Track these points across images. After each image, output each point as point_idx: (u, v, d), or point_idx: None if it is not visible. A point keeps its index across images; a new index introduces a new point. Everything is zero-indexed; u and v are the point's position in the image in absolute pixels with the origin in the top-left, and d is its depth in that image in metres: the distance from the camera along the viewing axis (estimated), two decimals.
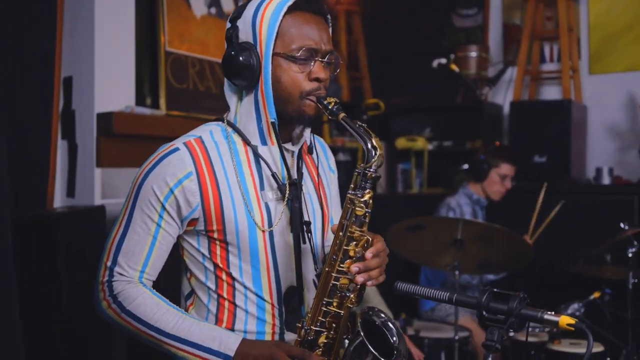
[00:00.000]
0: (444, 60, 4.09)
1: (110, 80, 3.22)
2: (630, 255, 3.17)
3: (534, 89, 4.68)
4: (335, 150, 4.84)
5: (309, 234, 1.69)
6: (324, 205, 1.80)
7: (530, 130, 4.28)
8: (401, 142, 4.87)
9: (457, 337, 3.04)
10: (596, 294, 3.21)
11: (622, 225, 3.26)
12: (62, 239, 2.55)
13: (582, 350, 2.88)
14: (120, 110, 3.19)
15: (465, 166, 4.07)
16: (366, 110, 3.83)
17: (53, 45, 3.12)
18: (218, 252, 1.64)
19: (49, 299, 2.45)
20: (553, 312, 1.25)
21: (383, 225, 3.43)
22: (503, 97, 4.71)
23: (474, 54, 4.68)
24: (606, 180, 4.13)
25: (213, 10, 3.81)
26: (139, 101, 3.44)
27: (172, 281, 1.80)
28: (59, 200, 3.20)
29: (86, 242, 2.68)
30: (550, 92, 4.70)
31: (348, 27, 5.20)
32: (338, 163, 4.70)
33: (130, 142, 3.22)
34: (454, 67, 3.97)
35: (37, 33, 3.05)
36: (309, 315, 1.59)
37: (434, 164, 4.85)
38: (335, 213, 1.86)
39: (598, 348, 2.93)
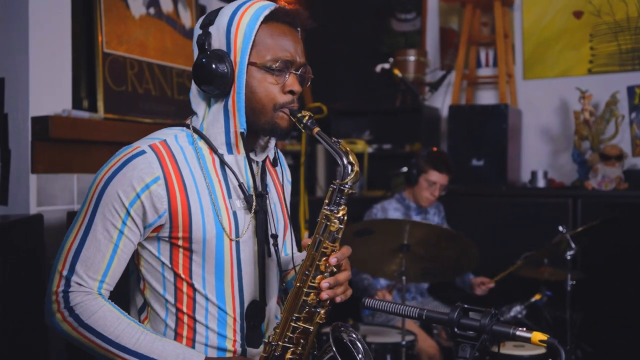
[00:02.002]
0: (387, 65, 4.11)
1: (45, 82, 3.08)
2: (568, 257, 3.27)
3: (471, 93, 4.77)
4: None
5: (275, 247, 1.66)
6: (285, 215, 1.78)
7: (468, 134, 4.36)
8: (341, 145, 4.85)
9: (404, 342, 3.05)
10: (537, 296, 3.29)
11: (560, 228, 3.35)
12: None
13: (526, 352, 2.93)
14: (56, 114, 3.06)
15: (404, 169, 4.10)
16: None
17: None
18: (181, 261, 1.59)
19: None
20: (524, 329, 1.26)
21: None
22: (441, 100, 4.78)
23: (412, 58, 4.73)
24: (541, 183, 4.24)
25: (152, 10, 3.71)
26: (76, 104, 3.31)
27: (122, 291, 1.72)
28: None
29: (23, 254, 2.56)
30: (486, 97, 4.80)
31: None
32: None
33: (67, 147, 3.10)
34: (397, 71, 4.00)
35: None
36: (277, 330, 1.56)
37: (373, 167, 4.88)
38: (289, 222, 1.84)
39: (539, 350, 3.00)
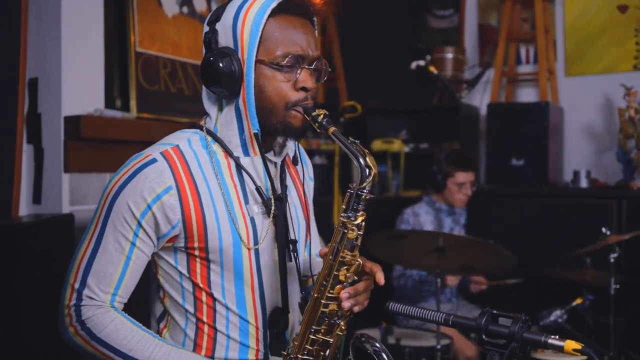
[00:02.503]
0: (422, 62, 4.02)
1: (78, 82, 3.08)
2: (612, 260, 3.14)
3: (511, 91, 4.64)
4: (311, 153, 4.75)
5: (295, 253, 1.59)
6: (307, 217, 1.71)
7: (508, 133, 4.24)
8: (377, 145, 4.80)
9: (439, 346, 2.97)
10: (578, 300, 3.17)
11: (603, 229, 3.22)
12: (25, 251, 2.41)
13: (566, 359, 2.82)
14: (89, 114, 3.06)
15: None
16: (343, 113, 3.75)
17: (17, 45, 2.97)
18: (198, 270, 1.52)
19: (7, 318, 2.31)
20: (557, 337, 1.18)
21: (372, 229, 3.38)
22: (480, 98, 4.67)
23: (450, 55, 4.62)
24: (584, 183, 4.10)
25: (185, 9, 3.70)
26: (109, 104, 3.31)
27: (141, 299, 1.68)
28: (24, 207, 3.05)
29: (53, 254, 2.55)
30: (527, 94, 4.67)
31: (322, 27, 5.10)
32: (314, 167, 4.63)
33: (99, 146, 3.10)
34: (432, 69, 3.90)
35: (0, 32, 2.91)
36: (296, 342, 1.49)
37: (410, 167, 4.79)
38: (312, 222, 1.77)
39: (580, 356, 2.87)
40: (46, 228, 2.69)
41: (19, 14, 2.96)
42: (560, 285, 3.48)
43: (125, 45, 3.38)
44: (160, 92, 3.49)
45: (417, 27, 5.05)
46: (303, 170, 1.75)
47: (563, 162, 4.47)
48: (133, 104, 3.34)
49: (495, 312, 1.24)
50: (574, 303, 3.17)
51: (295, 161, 1.70)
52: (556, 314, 3.12)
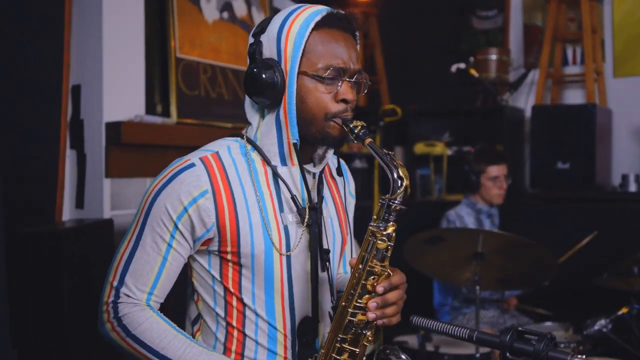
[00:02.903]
0: (462, 65, 3.97)
1: (119, 88, 3.14)
2: None
3: (557, 93, 4.54)
4: (351, 157, 4.74)
5: (328, 262, 1.59)
6: (344, 230, 1.71)
7: (553, 136, 4.15)
8: (419, 148, 4.76)
9: (478, 355, 2.92)
10: (624, 310, 3.07)
11: None
12: (66, 256, 2.46)
13: None
14: (129, 120, 3.10)
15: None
16: (383, 117, 3.72)
17: (61, 52, 3.05)
18: (230, 275, 1.55)
19: (49, 321, 2.36)
20: (583, 356, 1.14)
21: (400, 233, 3.34)
22: (524, 100, 4.58)
23: (494, 56, 4.55)
24: (633, 187, 3.99)
25: (225, 14, 3.73)
26: (150, 109, 3.35)
27: (178, 302, 1.71)
28: (67, 211, 3.12)
29: (93, 259, 2.60)
30: (574, 96, 4.56)
31: (364, 30, 5.08)
32: (354, 170, 4.61)
33: (140, 151, 3.14)
34: (473, 71, 3.84)
35: (44, 41, 2.98)
36: (322, 351, 1.49)
37: (453, 170, 4.73)
38: (349, 238, 1.77)
39: None
40: (87, 233, 2.74)
41: (62, 23, 3.03)
42: (605, 294, 3.38)
43: (165, 51, 3.42)
44: (201, 97, 3.52)
45: (460, 28, 4.99)
46: (345, 185, 1.76)
47: (611, 166, 4.35)
48: (173, 109, 3.38)
49: (520, 329, 1.20)
50: (620, 312, 3.08)
51: (338, 172, 1.72)
52: (601, 323, 3.03)
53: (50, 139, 3.04)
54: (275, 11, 4.16)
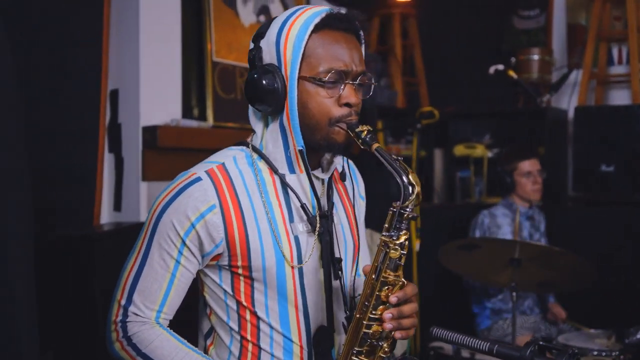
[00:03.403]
0: (501, 67, 3.89)
1: (156, 93, 3.18)
2: None
3: (601, 93, 4.42)
4: None
5: (340, 271, 1.56)
6: (355, 236, 1.67)
7: (597, 138, 4.04)
8: (459, 150, 4.69)
9: None
10: None
11: None
12: (102, 260, 2.49)
13: None
14: (165, 124, 3.14)
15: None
16: (420, 119, 3.67)
17: (99, 58, 3.11)
18: (242, 288, 1.52)
19: (84, 325, 2.40)
20: None
21: (440, 236, 3.31)
22: (567, 101, 4.47)
23: (536, 57, 4.45)
24: None
25: (262, 18, 3.74)
26: (187, 113, 3.39)
27: (190, 316, 1.69)
28: (105, 214, 3.18)
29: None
30: (619, 97, 4.43)
31: (404, 30, 5.03)
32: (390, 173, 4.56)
33: (176, 155, 3.18)
34: (511, 73, 3.77)
35: (83, 46, 3.04)
36: None
37: (494, 172, 4.64)
38: (361, 242, 1.74)
39: None
40: (123, 236, 2.77)
41: (100, 29, 3.09)
42: None
43: (202, 55, 3.45)
44: (237, 101, 3.54)
45: (501, 28, 4.90)
46: (353, 188, 1.72)
47: None
48: (210, 112, 3.41)
49: (542, 343, 1.17)
50: None
51: (343, 177, 1.67)
52: None
53: (89, 143, 3.10)
54: None
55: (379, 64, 4.72)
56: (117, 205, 3.18)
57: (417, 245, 3.63)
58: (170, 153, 3.16)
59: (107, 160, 3.18)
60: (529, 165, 3.54)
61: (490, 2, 4.96)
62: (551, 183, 4.27)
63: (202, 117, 3.44)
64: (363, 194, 1.79)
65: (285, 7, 3.87)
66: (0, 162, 1.45)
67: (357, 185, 1.76)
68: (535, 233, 3.65)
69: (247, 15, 3.66)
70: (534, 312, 3.60)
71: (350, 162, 1.74)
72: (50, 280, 2.38)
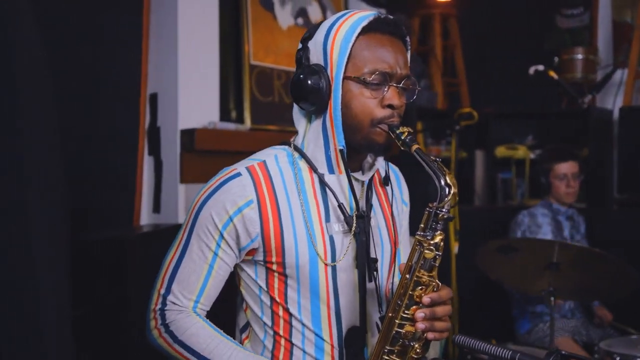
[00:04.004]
0: (541, 67, 3.83)
1: (194, 96, 3.22)
2: None
3: None
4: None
5: (375, 272, 1.57)
6: (393, 239, 1.68)
7: None
8: (501, 151, 4.63)
9: None
10: None
11: None
12: (139, 261, 2.54)
13: None
14: (203, 127, 3.18)
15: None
16: (459, 120, 3.64)
17: (139, 62, 3.17)
18: (276, 285, 1.56)
19: (119, 324, 2.45)
20: None
21: (480, 239, 3.26)
22: (612, 101, 4.37)
23: (580, 56, 4.36)
24: None
25: (300, 20, 3.75)
26: (225, 115, 3.43)
27: (229, 311, 1.73)
28: (145, 216, 3.23)
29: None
30: None
31: (444, 31, 4.99)
32: (428, 175, 4.52)
33: (213, 157, 3.21)
34: (552, 73, 3.70)
35: (123, 51, 3.10)
36: None
37: (536, 173, 4.57)
38: (404, 248, 1.74)
39: None
40: (161, 238, 2.81)
41: (140, 34, 3.16)
42: None
43: (240, 58, 3.48)
44: (274, 104, 3.56)
45: (544, 28, 4.81)
46: (393, 192, 1.72)
47: None
48: (247, 115, 3.44)
49: (564, 352, 1.15)
50: None
51: (385, 182, 1.69)
52: None
53: (129, 146, 3.16)
54: None
55: (419, 64, 4.69)
56: (157, 207, 3.24)
57: (455, 247, 3.59)
58: (208, 155, 3.20)
59: (147, 163, 3.24)
60: (564, 167, 3.49)
61: (533, 1, 4.88)
62: (596, 185, 4.19)
63: (240, 119, 3.48)
64: (407, 200, 1.80)
65: (323, 10, 3.88)
66: (36, 165, 1.49)
67: (400, 192, 1.77)
68: (576, 234, 3.59)
69: (285, 18, 3.68)
70: (575, 315, 3.54)
71: (395, 168, 1.77)
72: (90, 282, 2.44)
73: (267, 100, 3.53)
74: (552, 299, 2.83)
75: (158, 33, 3.20)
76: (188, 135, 3.12)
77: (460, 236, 3.59)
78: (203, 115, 3.26)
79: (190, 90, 3.21)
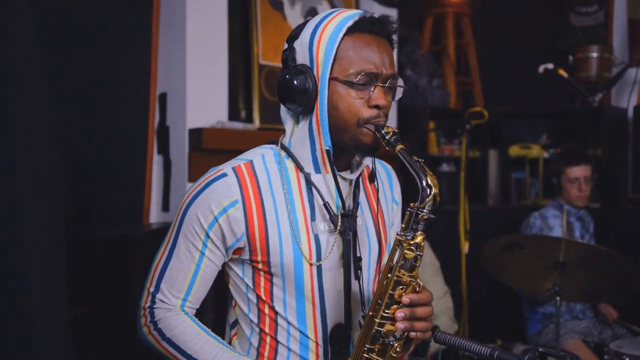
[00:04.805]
0: (550, 65, 3.79)
1: (203, 96, 3.25)
2: None
3: None
4: (441, 160, 4.66)
5: (360, 271, 1.58)
6: (381, 238, 1.68)
7: None
8: (514, 150, 4.61)
9: None
10: None
11: None
12: (146, 258, 2.57)
13: None
14: (210, 126, 3.21)
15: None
16: (469, 119, 3.62)
17: (148, 62, 3.20)
18: (262, 283, 1.57)
19: (127, 322, 2.48)
20: None
21: (493, 238, 3.26)
22: (627, 100, 4.32)
23: (594, 54, 4.32)
24: None
25: None
26: (234, 115, 3.45)
27: (221, 308, 1.75)
28: (154, 214, 3.27)
29: None
30: None
31: (457, 30, 4.97)
32: (442, 174, 4.50)
33: (221, 156, 3.21)
34: (561, 72, 3.67)
35: (133, 52, 3.14)
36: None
37: (549, 174, 4.54)
38: (388, 245, 1.74)
39: None
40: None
41: (149, 35, 3.19)
42: None
43: (249, 58, 3.50)
44: None
45: (558, 26, 4.78)
46: (383, 191, 1.72)
47: None
48: (256, 115, 3.46)
49: (541, 349, 1.15)
50: None
51: (372, 178, 1.69)
52: None
53: (139, 145, 3.20)
54: None
55: (432, 64, 4.69)
56: (165, 206, 3.27)
57: (466, 247, 3.59)
58: (216, 154, 3.21)
59: (156, 162, 3.27)
60: (576, 171, 3.44)
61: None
62: (610, 184, 4.15)
63: (249, 119, 3.50)
64: (398, 198, 1.79)
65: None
66: (31, 165, 1.52)
67: (390, 189, 1.76)
68: (585, 234, 3.56)
69: (295, 18, 3.69)
70: (586, 316, 3.51)
71: (388, 165, 1.76)
72: (100, 279, 2.48)
73: (276, 99, 3.54)
74: (558, 298, 2.81)
75: (167, 33, 3.24)
76: (196, 135, 3.14)
77: (473, 236, 3.58)
78: (212, 114, 3.28)
79: (199, 89, 3.23)
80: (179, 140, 3.22)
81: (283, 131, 1.67)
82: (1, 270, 1.36)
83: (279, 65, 3.49)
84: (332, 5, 3.90)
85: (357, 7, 4.08)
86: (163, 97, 3.27)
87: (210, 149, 3.15)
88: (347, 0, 3.98)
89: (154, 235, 2.85)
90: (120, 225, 3.09)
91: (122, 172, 3.13)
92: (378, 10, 4.23)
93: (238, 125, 3.33)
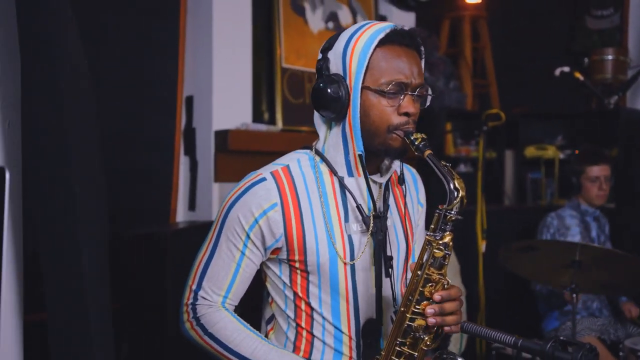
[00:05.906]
0: (567, 68, 3.86)
1: (228, 98, 3.35)
2: None
3: None
4: (458, 161, 4.74)
5: (391, 269, 1.67)
6: (409, 238, 1.77)
7: None
8: (530, 151, 4.67)
9: None
10: None
11: None
12: (174, 256, 2.67)
13: None
14: (236, 128, 3.31)
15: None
16: (486, 121, 3.70)
17: (176, 66, 3.31)
18: (299, 281, 1.66)
19: (157, 316, 2.58)
20: None
21: (509, 238, 3.33)
22: None
23: (609, 57, 4.38)
24: None
25: (330, 24, 3.86)
26: (257, 117, 3.55)
27: (256, 303, 1.84)
28: (181, 213, 3.37)
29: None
30: None
31: (474, 33, 5.04)
32: (459, 175, 4.57)
33: (245, 157, 3.34)
34: (578, 75, 3.73)
35: (161, 56, 3.25)
36: (383, 353, 1.57)
37: (566, 174, 4.60)
38: (418, 247, 1.83)
39: None
40: (196, 234, 2.95)
41: (177, 39, 3.29)
42: None
43: (272, 61, 3.60)
44: (305, 105, 3.68)
45: (574, 29, 4.84)
46: (409, 193, 1.82)
47: None
48: (279, 117, 3.56)
49: (562, 338, 1.24)
50: None
51: (400, 181, 1.78)
52: None
53: (166, 147, 3.31)
54: (380, 19, 4.25)
55: (449, 66, 4.76)
56: (192, 205, 3.38)
57: (483, 246, 3.66)
58: (241, 155, 3.32)
59: (183, 163, 3.38)
60: (597, 170, 3.50)
61: (562, 2, 4.90)
62: (625, 185, 4.20)
63: (272, 121, 3.60)
64: (423, 200, 1.88)
65: (354, 14, 3.98)
66: (82, 170, 1.62)
67: (416, 191, 1.86)
68: (601, 235, 3.62)
69: (316, 23, 3.79)
70: (603, 314, 3.57)
71: (413, 170, 1.85)
72: (130, 276, 2.58)
73: (298, 102, 3.65)
74: (575, 295, 2.88)
75: (194, 38, 3.34)
76: (222, 136, 3.25)
77: (489, 236, 3.65)
78: (236, 116, 3.39)
79: (225, 93, 3.34)
80: (205, 142, 3.32)
81: (305, 132, 1.76)
82: (62, 262, 1.47)
83: (301, 68, 3.65)
84: (352, 10, 3.99)
85: (376, 11, 4.16)
86: (190, 100, 3.38)
87: (235, 150, 3.26)
88: (367, 4, 4.07)
89: (181, 234, 2.95)
90: (148, 224, 3.19)
91: (149, 173, 3.24)
92: (396, 14, 4.33)
93: (261, 127, 3.43)
